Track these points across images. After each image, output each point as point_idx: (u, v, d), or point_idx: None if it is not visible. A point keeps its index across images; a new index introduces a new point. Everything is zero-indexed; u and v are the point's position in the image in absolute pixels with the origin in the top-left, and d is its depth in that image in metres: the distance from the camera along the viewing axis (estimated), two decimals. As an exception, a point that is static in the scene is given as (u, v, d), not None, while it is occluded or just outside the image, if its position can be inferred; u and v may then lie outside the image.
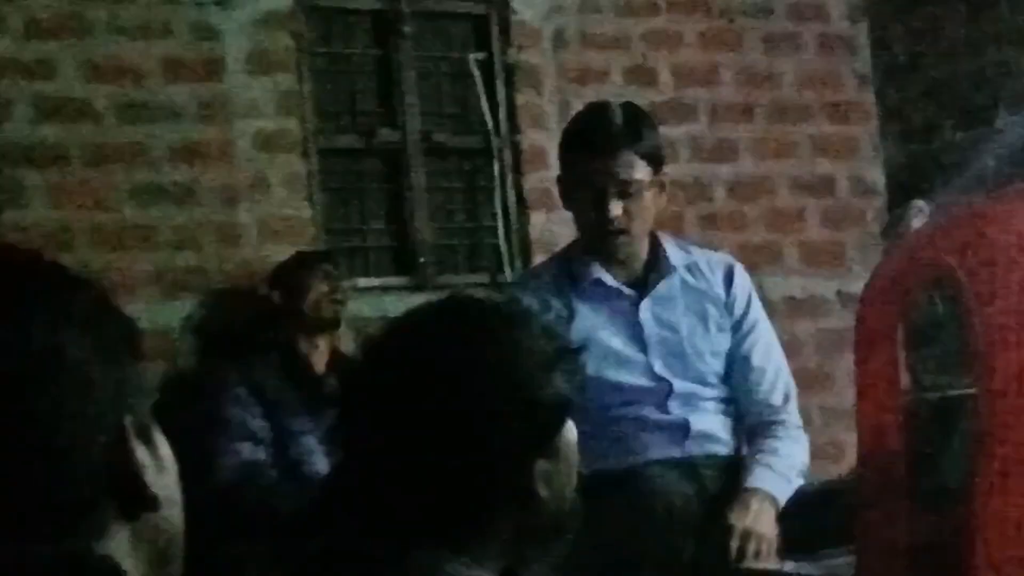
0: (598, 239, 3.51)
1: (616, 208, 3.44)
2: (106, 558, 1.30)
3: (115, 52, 5.23)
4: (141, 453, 1.34)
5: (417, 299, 5.43)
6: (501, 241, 5.80)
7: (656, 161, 3.51)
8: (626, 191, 3.45)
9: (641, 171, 3.46)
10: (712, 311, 3.59)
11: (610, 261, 3.55)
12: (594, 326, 3.51)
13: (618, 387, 3.44)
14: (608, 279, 3.54)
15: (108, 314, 1.37)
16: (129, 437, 1.33)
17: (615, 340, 3.51)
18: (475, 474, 1.88)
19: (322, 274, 5.05)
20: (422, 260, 5.70)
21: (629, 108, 3.62)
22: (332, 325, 5.03)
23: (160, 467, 1.37)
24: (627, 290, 3.55)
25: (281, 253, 5.22)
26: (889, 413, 2.76)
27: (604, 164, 3.44)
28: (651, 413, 3.49)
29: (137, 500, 1.33)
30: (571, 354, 2.00)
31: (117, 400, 1.33)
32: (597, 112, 3.61)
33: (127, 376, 1.35)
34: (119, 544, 1.32)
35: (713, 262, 3.68)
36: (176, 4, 5.33)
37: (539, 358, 1.94)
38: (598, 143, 3.46)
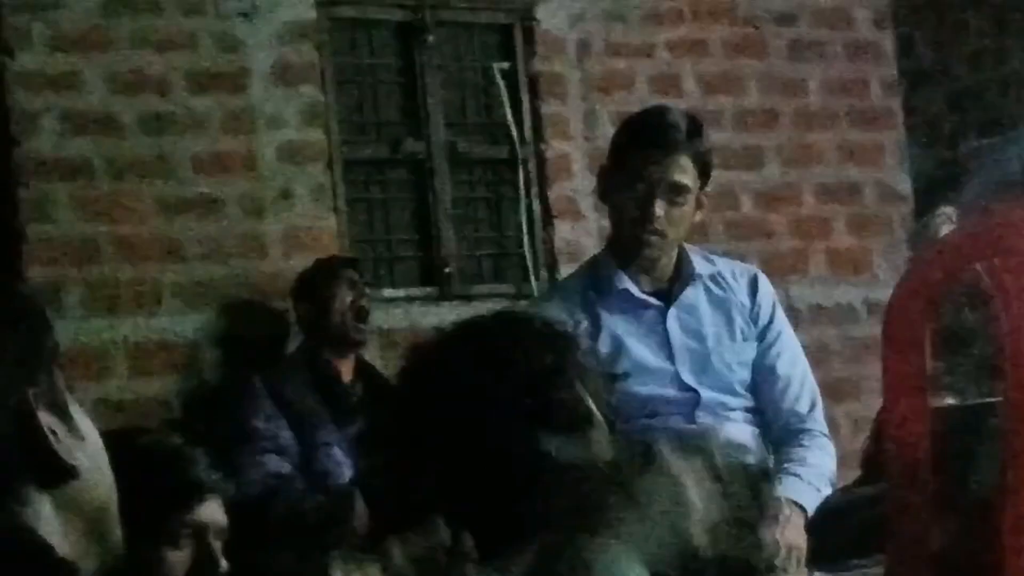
0: (634, 238, 3.50)
1: (660, 208, 3.45)
2: (29, 530, 1.30)
3: (140, 65, 5.24)
4: (52, 423, 1.35)
5: (442, 309, 5.48)
6: (526, 251, 5.80)
7: (706, 170, 3.53)
8: (673, 195, 3.46)
9: (691, 177, 3.49)
10: (738, 320, 3.59)
11: (639, 264, 3.55)
12: (621, 336, 3.50)
13: (646, 398, 3.43)
14: (635, 289, 3.54)
15: (6, 291, 1.39)
16: (35, 407, 1.34)
17: (643, 350, 3.50)
18: (522, 490, 1.88)
19: (346, 283, 5.04)
20: (447, 270, 5.70)
21: (689, 114, 3.66)
22: (357, 344, 5.01)
23: (78, 438, 1.37)
24: (654, 300, 3.55)
25: (307, 264, 5.23)
26: (917, 421, 2.75)
27: (660, 162, 3.45)
28: (678, 423, 3.48)
29: (52, 469, 1.33)
30: (617, 379, 2.01)
31: (19, 372, 1.35)
32: (659, 112, 3.63)
33: (29, 349, 1.38)
34: (43, 516, 1.32)
35: (737, 272, 3.68)
36: (200, 16, 5.34)
37: (593, 380, 1.93)
38: (658, 140, 3.47)
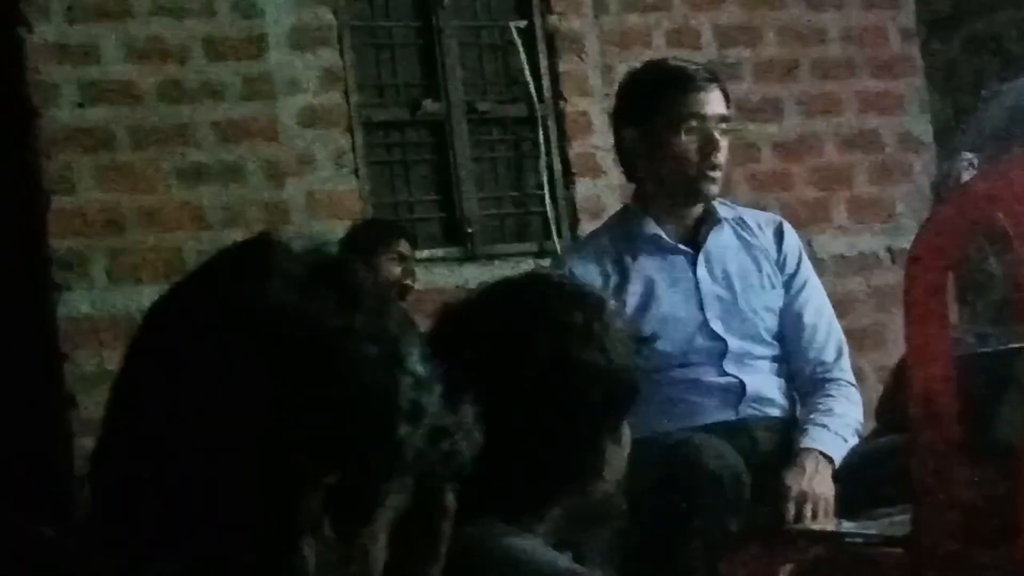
0: (699, 176, 3.48)
1: (722, 142, 3.46)
2: None
3: (158, 33, 5.25)
4: (308, 548, 1.10)
5: (465, 269, 5.49)
6: (548, 209, 5.80)
7: (729, 101, 3.56)
8: (722, 127, 3.48)
9: (726, 108, 3.51)
10: (765, 266, 3.58)
11: (679, 208, 3.55)
12: (651, 286, 3.50)
13: (675, 348, 3.43)
14: (664, 236, 3.54)
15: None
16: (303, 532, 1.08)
17: (672, 299, 3.50)
18: (550, 449, 1.89)
19: (396, 257, 5.00)
20: (469, 230, 5.70)
21: (685, 60, 3.71)
22: None
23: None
24: (683, 247, 3.55)
25: (329, 228, 5.24)
26: (941, 368, 2.75)
27: (705, 98, 3.46)
28: (706, 374, 3.48)
29: None
30: (647, 340, 2.01)
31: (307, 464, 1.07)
32: (667, 61, 3.69)
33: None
34: None
35: (762, 221, 3.68)
36: (217, -17, 5.35)
37: (621, 341, 1.94)
38: (696, 78, 3.49)
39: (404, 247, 5.07)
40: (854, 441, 3.45)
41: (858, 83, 6.36)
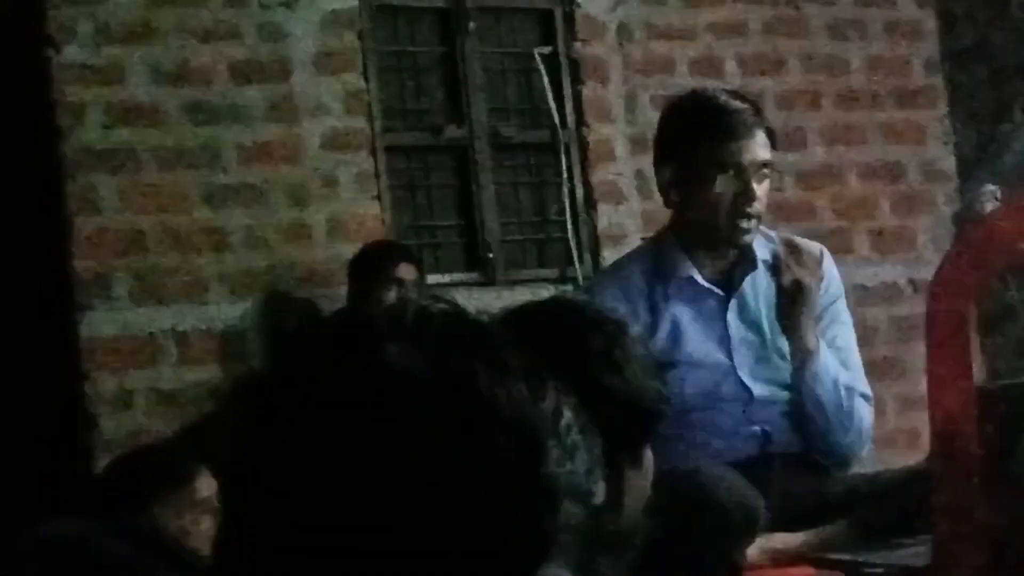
0: (732, 225, 3.43)
1: (759, 191, 3.40)
2: None
3: (184, 56, 5.28)
4: None
5: (486, 294, 5.50)
6: (569, 235, 5.81)
7: (774, 140, 3.49)
8: (762, 174, 3.42)
9: (770, 152, 3.44)
10: None
11: (717, 249, 3.49)
12: (680, 326, 3.45)
13: (700, 391, 3.40)
14: (699, 278, 3.48)
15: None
16: None
17: (701, 343, 3.45)
18: None
19: (393, 282, 4.98)
20: (491, 256, 5.71)
21: (734, 92, 3.61)
22: None
23: None
24: (716, 289, 3.50)
25: (351, 252, 5.25)
26: (962, 400, 2.75)
27: (746, 146, 3.39)
28: (730, 420, 3.44)
29: None
30: (666, 368, 2.02)
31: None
32: (714, 97, 3.52)
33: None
34: None
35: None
36: (243, 7, 5.37)
37: (641, 366, 1.94)
38: (738, 124, 3.40)
39: (405, 271, 5.05)
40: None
41: (881, 114, 6.37)
